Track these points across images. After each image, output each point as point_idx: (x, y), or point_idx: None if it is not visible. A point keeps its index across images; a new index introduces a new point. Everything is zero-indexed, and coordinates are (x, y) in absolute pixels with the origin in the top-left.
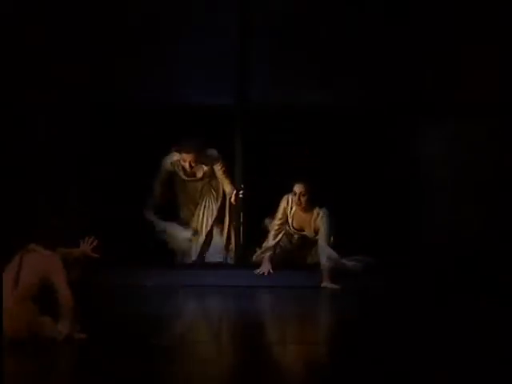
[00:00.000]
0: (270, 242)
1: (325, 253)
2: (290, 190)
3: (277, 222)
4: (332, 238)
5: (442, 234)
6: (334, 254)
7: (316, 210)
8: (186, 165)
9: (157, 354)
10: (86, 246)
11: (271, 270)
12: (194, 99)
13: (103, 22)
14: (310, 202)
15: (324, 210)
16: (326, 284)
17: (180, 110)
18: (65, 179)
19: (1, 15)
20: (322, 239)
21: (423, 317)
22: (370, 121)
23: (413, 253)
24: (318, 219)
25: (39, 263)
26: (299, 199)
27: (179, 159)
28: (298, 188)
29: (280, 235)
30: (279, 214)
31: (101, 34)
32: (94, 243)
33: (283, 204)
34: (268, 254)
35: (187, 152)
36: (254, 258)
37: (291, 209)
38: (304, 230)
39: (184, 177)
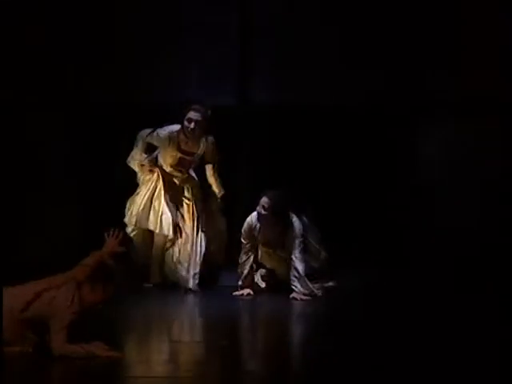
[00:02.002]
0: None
1: (295, 267)
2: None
3: (244, 245)
4: (323, 252)
5: (441, 234)
6: (302, 271)
7: (287, 222)
8: (192, 125)
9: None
10: (112, 240)
11: (251, 292)
12: (194, 99)
13: (103, 22)
14: (282, 214)
15: (296, 221)
16: (296, 295)
17: (180, 110)
18: (65, 179)
19: (1, 15)
20: (294, 253)
21: (422, 317)
22: (370, 121)
23: (412, 253)
24: (290, 232)
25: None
26: (265, 212)
27: (179, 131)
28: (263, 201)
29: (250, 253)
30: (243, 238)
31: (101, 34)
32: (120, 236)
33: (245, 226)
34: (244, 272)
35: (197, 110)
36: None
37: (257, 225)
38: (275, 247)
39: (177, 153)
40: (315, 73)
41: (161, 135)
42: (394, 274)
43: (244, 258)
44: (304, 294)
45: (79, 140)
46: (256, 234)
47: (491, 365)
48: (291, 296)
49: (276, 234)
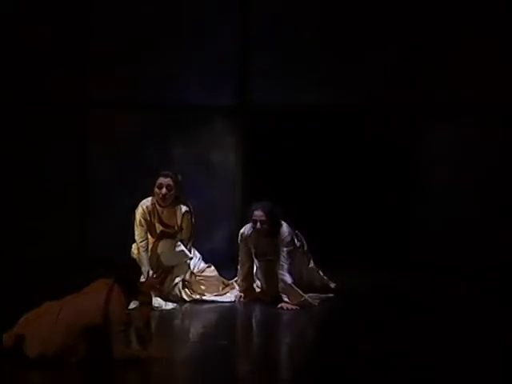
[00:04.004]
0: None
1: (282, 279)
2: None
3: (240, 257)
4: (312, 262)
5: (442, 234)
6: (290, 281)
7: (278, 231)
8: (163, 191)
9: None
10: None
11: (242, 299)
12: (194, 99)
13: (103, 22)
14: (275, 225)
15: (286, 231)
16: (283, 305)
17: (180, 110)
18: (65, 180)
19: (1, 15)
20: (282, 263)
21: (423, 318)
22: (370, 121)
23: (413, 253)
24: (280, 243)
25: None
26: (261, 227)
27: (153, 203)
28: (257, 215)
29: (247, 264)
30: (239, 250)
31: (101, 34)
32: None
33: (239, 237)
34: (240, 281)
35: (165, 175)
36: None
37: (250, 236)
38: (267, 257)
39: (158, 226)
40: (315, 73)
41: (136, 212)
42: (396, 275)
43: (242, 269)
44: (294, 304)
45: (79, 140)
46: (250, 244)
47: (494, 369)
48: (279, 305)
49: (268, 245)
